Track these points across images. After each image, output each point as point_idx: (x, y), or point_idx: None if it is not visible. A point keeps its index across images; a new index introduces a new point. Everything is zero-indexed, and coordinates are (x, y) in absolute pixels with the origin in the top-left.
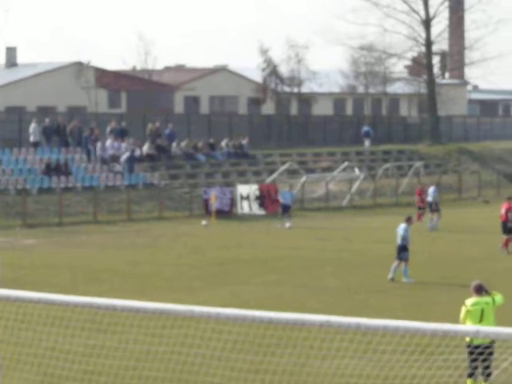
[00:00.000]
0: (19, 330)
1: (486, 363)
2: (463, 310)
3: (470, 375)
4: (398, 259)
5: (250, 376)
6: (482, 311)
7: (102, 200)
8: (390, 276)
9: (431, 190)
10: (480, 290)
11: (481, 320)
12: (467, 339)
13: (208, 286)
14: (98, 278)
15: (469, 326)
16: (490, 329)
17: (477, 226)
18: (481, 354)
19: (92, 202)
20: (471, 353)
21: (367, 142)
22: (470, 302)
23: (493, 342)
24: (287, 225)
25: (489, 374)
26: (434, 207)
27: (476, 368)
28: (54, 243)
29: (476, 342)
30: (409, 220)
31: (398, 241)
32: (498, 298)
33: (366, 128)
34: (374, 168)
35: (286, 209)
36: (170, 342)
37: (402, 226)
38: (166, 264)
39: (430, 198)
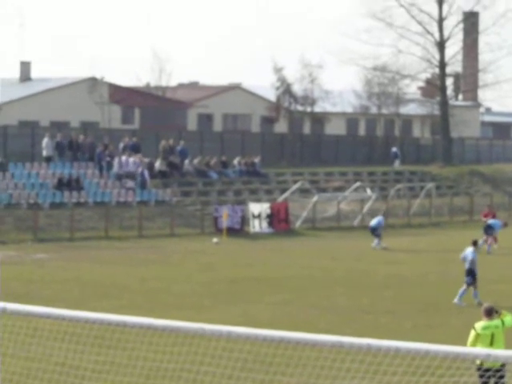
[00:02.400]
0: (29, 345)
1: None
2: (472, 333)
3: None
4: (467, 283)
5: None
6: (493, 335)
7: (114, 216)
8: (455, 300)
9: (498, 223)
10: (491, 313)
11: (491, 344)
12: (477, 362)
13: (218, 304)
14: (108, 293)
15: (480, 349)
16: (500, 352)
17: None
18: (491, 377)
19: (103, 218)
20: (481, 376)
21: (397, 163)
22: (479, 325)
23: (503, 365)
24: (383, 245)
25: None
26: (490, 232)
27: None
28: (65, 258)
29: (486, 365)
30: (475, 243)
31: (467, 265)
32: (508, 319)
33: (394, 149)
34: (385, 189)
35: (373, 231)
36: (180, 360)
37: (470, 249)
38: (177, 281)
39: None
